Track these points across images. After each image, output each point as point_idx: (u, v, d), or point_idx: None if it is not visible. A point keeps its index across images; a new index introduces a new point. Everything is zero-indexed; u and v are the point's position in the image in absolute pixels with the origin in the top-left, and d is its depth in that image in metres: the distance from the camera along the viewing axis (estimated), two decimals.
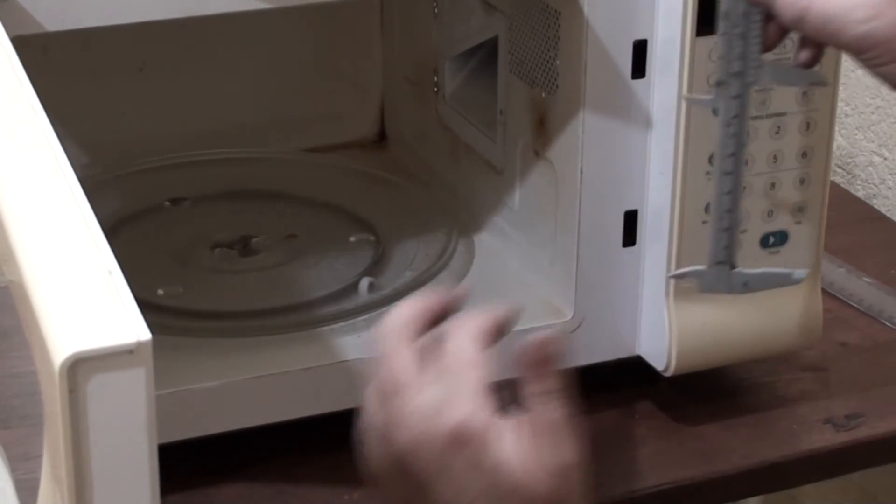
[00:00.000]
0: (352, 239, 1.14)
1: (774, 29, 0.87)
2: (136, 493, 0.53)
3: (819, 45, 0.87)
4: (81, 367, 0.51)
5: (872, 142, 1.43)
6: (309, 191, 1.21)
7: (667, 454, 1.01)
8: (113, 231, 1.08)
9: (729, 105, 0.89)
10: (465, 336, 0.73)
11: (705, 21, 0.93)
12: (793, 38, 0.89)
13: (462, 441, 0.68)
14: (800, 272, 0.96)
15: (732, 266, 0.93)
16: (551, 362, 0.72)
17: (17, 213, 0.61)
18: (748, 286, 0.94)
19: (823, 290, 1.05)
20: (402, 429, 0.70)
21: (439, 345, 0.72)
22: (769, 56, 0.89)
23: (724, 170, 0.90)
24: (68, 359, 0.51)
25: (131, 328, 0.52)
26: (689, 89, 0.94)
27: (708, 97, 0.90)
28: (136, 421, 0.52)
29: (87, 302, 0.54)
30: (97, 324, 0.52)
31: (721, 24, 0.88)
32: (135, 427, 0.52)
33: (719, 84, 0.89)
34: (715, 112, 0.94)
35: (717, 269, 0.93)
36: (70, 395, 0.51)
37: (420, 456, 0.69)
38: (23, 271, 0.57)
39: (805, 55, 0.87)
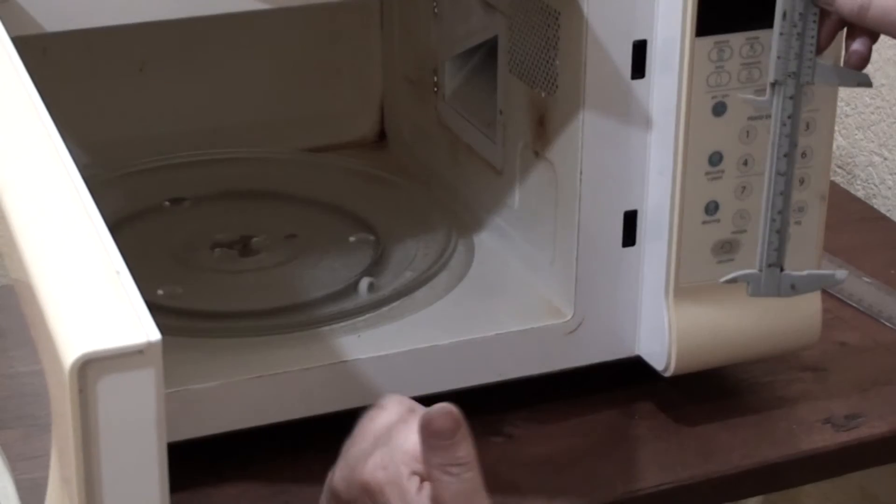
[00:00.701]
0: (352, 239, 1.14)
1: (827, 28, 0.89)
2: (145, 493, 0.53)
3: (871, 41, 0.88)
4: (91, 367, 0.51)
5: (872, 142, 1.43)
6: (309, 191, 1.21)
7: (666, 454, 1.01)
8: (113, 231, 1.08)
9: (785, 105, 0.89)
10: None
11: (705, 21, 0.93)
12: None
13: (372, 490, 0.77)
14: (841, 273, 0.96)
15: (782, 269, 0.93)
16: (455, 432, 0.77)
17: (24, 214, 0.61)
18: (796, 289, 0.94)
19: (823, 290, 1.05)
20: (341, 465, 0.80)
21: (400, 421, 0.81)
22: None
23: (778, 170, 0.90)
24: (78, 359, 0.51)
25: (141, 328, 0.52)
26: (689, 89, 0.94)
27: (763, 98, 0.90)
28: (146, 421, 0.52)
29: (96, 302, 0.54)
30: (107, 324, 0.52)
31: (778, 24, 0.88)
32: (144, 427, 0.52)
33: (775, 84, 0.89)
34: (716, 113, 0.95)
35: (768, 272, 0.93)
36: (80, 395, 0.51)
37: (346, 491, 0.79)
38: (30, 272, 0.57)
39: (858, 47, 0.88)
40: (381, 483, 0.77)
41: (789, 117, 0.90)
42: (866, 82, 0.91)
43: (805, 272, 0.95)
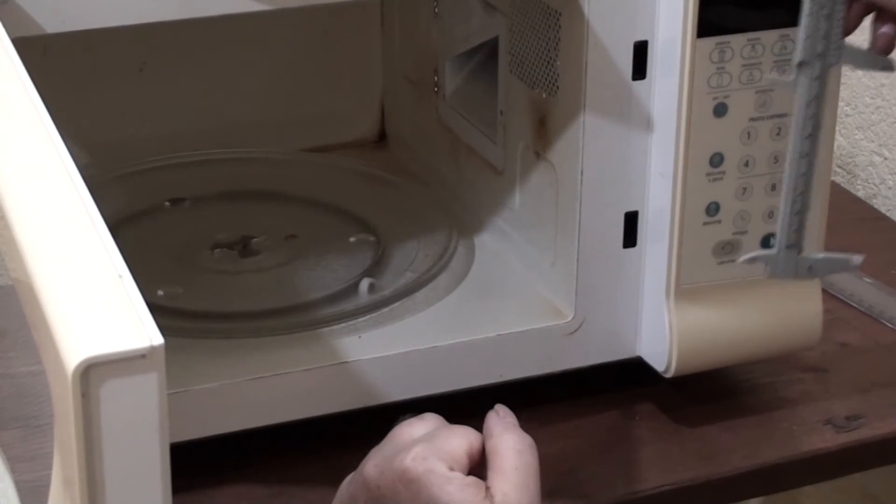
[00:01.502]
0: (352, 239, 1.14)
1: (856, 11, 0.89)
2: (148, 497, 0.53)
3: None
4: (94, 372, 0.51)
5: (872, 142, 1.43)
6: (309, 191, 1.21)
7: (667, 455, 1.01)
8: (113, 231, 1.08)
9: (811, 85, 0.89)
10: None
11: (706, 22, 0.93)
12: None
13: (409, 477, 0.78)
14: (857, 258, 0.96)
15: (800, 251, 0.93)
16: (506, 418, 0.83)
17: (26, 217, 0.61)
18: (812, 271, 0.94)
19: (823, 291, 1.05)
20: (375, 456, 0.82)
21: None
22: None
23: (801, 152, 0.90)
24: (81, 364, 0.51)
25: (144, 333, 0.52)
26: (690, 90, 0.94)
27: (789, 78, 0.90)
28: (149, 425, 0.52)
29: (99, 306, 0.54)
30: (109, 328, 0.52)
31: (807, 5, 0.88)
32: (147, 431, 0.52)
33: (801, 65, 0.89)
34: (718, 114, 0.95)
35: (786, 253, 0.92)
36: (83, 399, 0.51)
37: (379, 477, 0.80)
38: (32, 274, 0.56)
39: (887, 30, 0.88)
40: (419, 472, 0.78)
41: (815, 98, 0.89)
42: (890, 66, 0.91)
43: (821, 255, 0.94)
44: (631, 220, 1.00)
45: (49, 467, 0.60)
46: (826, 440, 1.03)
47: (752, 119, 0.96)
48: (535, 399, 1.04)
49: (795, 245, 0.92)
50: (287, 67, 1.30)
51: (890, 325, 1.16)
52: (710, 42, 0.94)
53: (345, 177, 1.24)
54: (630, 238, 1.00)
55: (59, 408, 0.54)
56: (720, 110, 0.95)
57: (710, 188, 0.97)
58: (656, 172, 0.98)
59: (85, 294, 0.55)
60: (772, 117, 0.96)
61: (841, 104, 1.43)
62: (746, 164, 0.97)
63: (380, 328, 1.02)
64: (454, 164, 1.19)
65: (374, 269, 1.10)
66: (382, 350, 0.99)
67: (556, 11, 0.99)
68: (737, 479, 1.00)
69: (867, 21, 0.90)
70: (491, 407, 1.03)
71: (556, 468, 0.99)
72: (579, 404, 1.05)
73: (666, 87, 0.96)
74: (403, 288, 1.06)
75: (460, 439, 0.81)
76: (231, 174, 1.24)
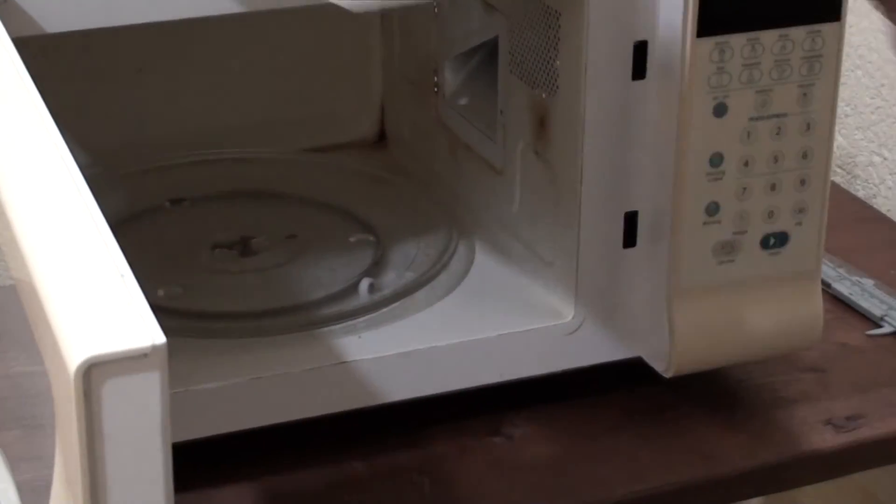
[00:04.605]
0: (352, 239, 1.14)
1: None
2: (150, 496, 0.53)
3: None
4: (96, 371, 0.51)
5: (872, 142, 1.43)
6: (309, 191, 1.21)
7: (667, 455, 1.01)
8: (113, 231, 1.08)
9: None
10: None
11: (706, 22, 0.93)
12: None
13: None
14: None
15: None
16: None
17: (28, 216, 0.61)
18: None
19: (823, 290, 1.05)
20: None
21: None
22: None
23: None
24: (83, 363, 0.51)
25: (146, 331, 0.52)
26: (690, 90, 0.94)
27: None
28: (151, 424, 0.52)
29: (101, 305, 0.54)
30: (111, 327, 0.52)
31: None
32: (149, 430, 0.52)
33: None
34: (717, 114, 0.95)
35: None
36: (85, 399, 0.51)
37: None
38: (34, 274, 0.57)
39: None
40: None
41: None
42: None
43: None
44: (631, 219, 1.00)
45: (49, 467, 0.60)
46: (826, 440, 1.03)
47: (752, 119, 0.96)
48: (534, 399, 1.04)
49: None
50: (287, 67, 1.30)
51: (890, 326, 1.16)
52: (709, 42, 0.94)
53: (345, 177, 1.24)
54: (630, 238, 1.00)
55: (61, 407, 0.54)
56: (720, 110, 0.95)
57: (710, 188, 0.97)
58: (656, 172, 0.98)
59: (87, 293, 0.55)
60: (771, 117, 0.96)
61: (841, 104, 1.43)
62: (746, 164, 0.97)
63: (379, 328, 1.02)
64: (454, 164, 1.19)
65: (374, 269, 1.10)
66: (382, 350, 0.99)
67: (556, 11, 0.99)
68: (736, 479, 1.00)
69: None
70: (490, 406, 1.03)
71: (555, 468, 0.99)
72: (579, 404, 1.05)
73: (666, 87, 0.96)
74: (403, 288, 1.06)
75: None
76: (231, 174, 1.24)
